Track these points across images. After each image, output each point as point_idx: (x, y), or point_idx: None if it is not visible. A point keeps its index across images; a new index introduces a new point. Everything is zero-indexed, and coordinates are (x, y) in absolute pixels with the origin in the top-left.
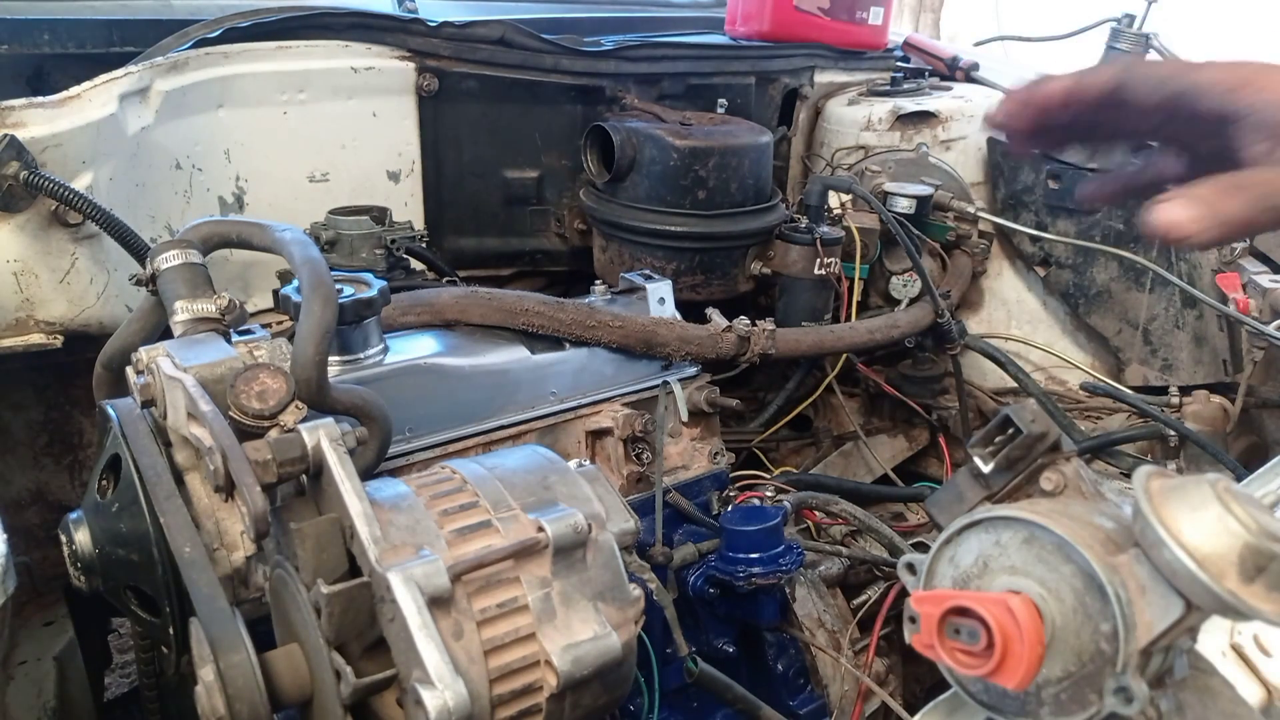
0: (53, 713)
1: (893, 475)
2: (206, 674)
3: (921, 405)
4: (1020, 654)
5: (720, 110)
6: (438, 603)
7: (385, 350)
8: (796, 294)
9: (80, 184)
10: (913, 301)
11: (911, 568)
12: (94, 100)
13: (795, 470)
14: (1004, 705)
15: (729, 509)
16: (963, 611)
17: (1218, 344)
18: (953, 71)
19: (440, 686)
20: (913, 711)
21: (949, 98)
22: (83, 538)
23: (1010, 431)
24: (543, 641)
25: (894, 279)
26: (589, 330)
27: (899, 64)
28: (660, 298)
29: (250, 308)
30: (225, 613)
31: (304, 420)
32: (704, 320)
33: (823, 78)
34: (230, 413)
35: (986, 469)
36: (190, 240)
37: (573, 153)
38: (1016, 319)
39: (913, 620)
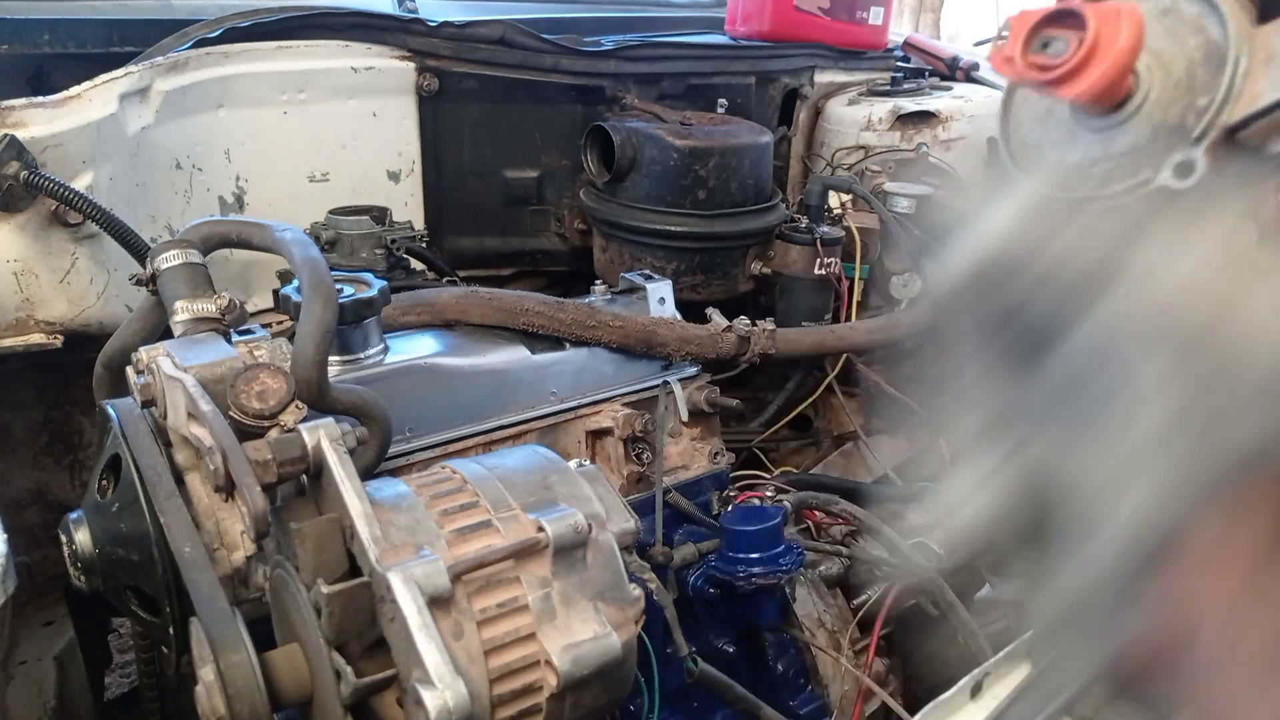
0: (53, 713)
1: (893, 475)
2: (206, 674)
3: None
4: (1102, 66)
5: (720, 110)
6: (438, 603)
7: (385, 350)
8: (796, 294)
9: (80, 184)
10: (913, 301)
11: None
12: (94, 100)
13: (795, 470)
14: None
15: (729, 509)
16: (1062, 21)
17: None
18: (953, 71)
19: (440, 686)
20: (913, 711)
21: (949, 98)
22: (83, 538)
23: None
24: (543, 641)
25: (894, 279)
26: (589, 330)
27: (899, 64)
28: (660, 298)
29: (250, 308)
30: (225, 613)
31: (304, 420)
32: (704, 320)
33: (823, 78)
34: (230, 413)
35: None
36: (190, 240)
37: (573, 153)
38: None
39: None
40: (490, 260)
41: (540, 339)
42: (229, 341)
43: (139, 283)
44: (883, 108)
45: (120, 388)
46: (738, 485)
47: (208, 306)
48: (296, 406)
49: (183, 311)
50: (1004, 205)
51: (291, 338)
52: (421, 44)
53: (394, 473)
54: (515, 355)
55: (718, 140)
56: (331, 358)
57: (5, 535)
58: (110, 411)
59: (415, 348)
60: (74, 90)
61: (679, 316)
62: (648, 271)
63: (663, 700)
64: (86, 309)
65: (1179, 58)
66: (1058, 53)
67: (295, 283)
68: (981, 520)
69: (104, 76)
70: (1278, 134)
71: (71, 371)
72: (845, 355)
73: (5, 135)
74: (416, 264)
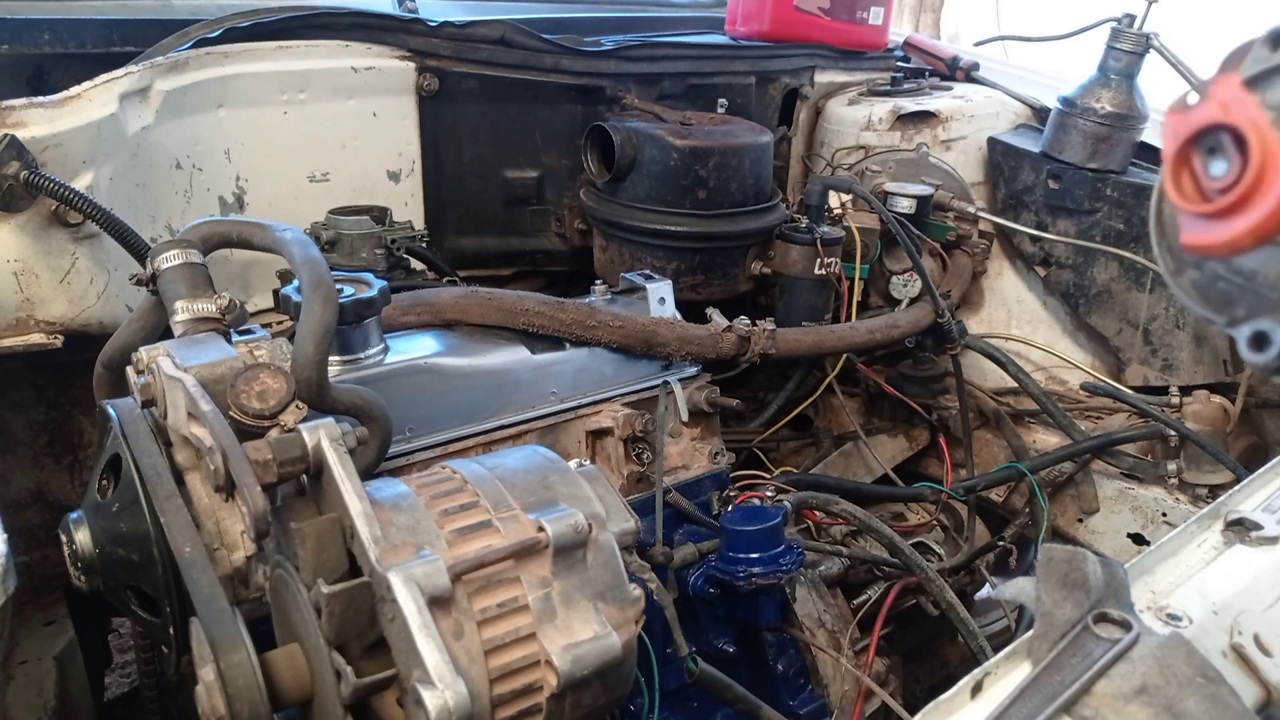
0: (53, 713)
1: (893, 475)
2: (207, 674)
3: (921, 405)
4: (1272, 198)
5: (720, 110)
6: (438, 602)
7: (385, 350)
8: (796, 294)
9: (80, 184)
10: (913, 301)
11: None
12: (94, 100)
13: (795, 470)
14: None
15: (729, 509)
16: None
17: (1218, 344)
18: (953, 71)
19: (440, 686)
20: (913, 711)
21: (949, 98)
22: (83, 537)
23: None
24: (543, 641)
25: (894, 279)
26: (589, 330)
27: (899, 64)
28: (660, 298)
29: (250, 308)
30: (225, 613)
31: (304, 420)
32: (704, 320)
33: (823, 78)
34: (230, 412)
35: None
36: (190, 240)
37: (573, 153)
38: (1016, 319)
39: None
40: (490, 260)
41: (540, 339)
42: (229, 341)
43: (139, 283)
44: (883, 108)
45: (120, 388)
46: (738, 485)
47: (208, 306)
48: (296, 406)
49: (183, 311)
50: None
51: (291, 338)
52: (421, 44)
53: (394, 473)
54: (515, 355)
55: (718, 140)
56: (331, 358)
57: (5, 535)
58: (110, 411)
59: (415, 348)
60: (74, 90)
61: (679, 316)
62: (648, 271)
63: (663, 700)
64: (86, 309)
65: None
66: (1222, 167)
67: (295, 283)
68: None
69: (104, 76)
70: None
71: (71, 371)
72: (845, 355)
73: (5, 135)
74: (416, 264)
